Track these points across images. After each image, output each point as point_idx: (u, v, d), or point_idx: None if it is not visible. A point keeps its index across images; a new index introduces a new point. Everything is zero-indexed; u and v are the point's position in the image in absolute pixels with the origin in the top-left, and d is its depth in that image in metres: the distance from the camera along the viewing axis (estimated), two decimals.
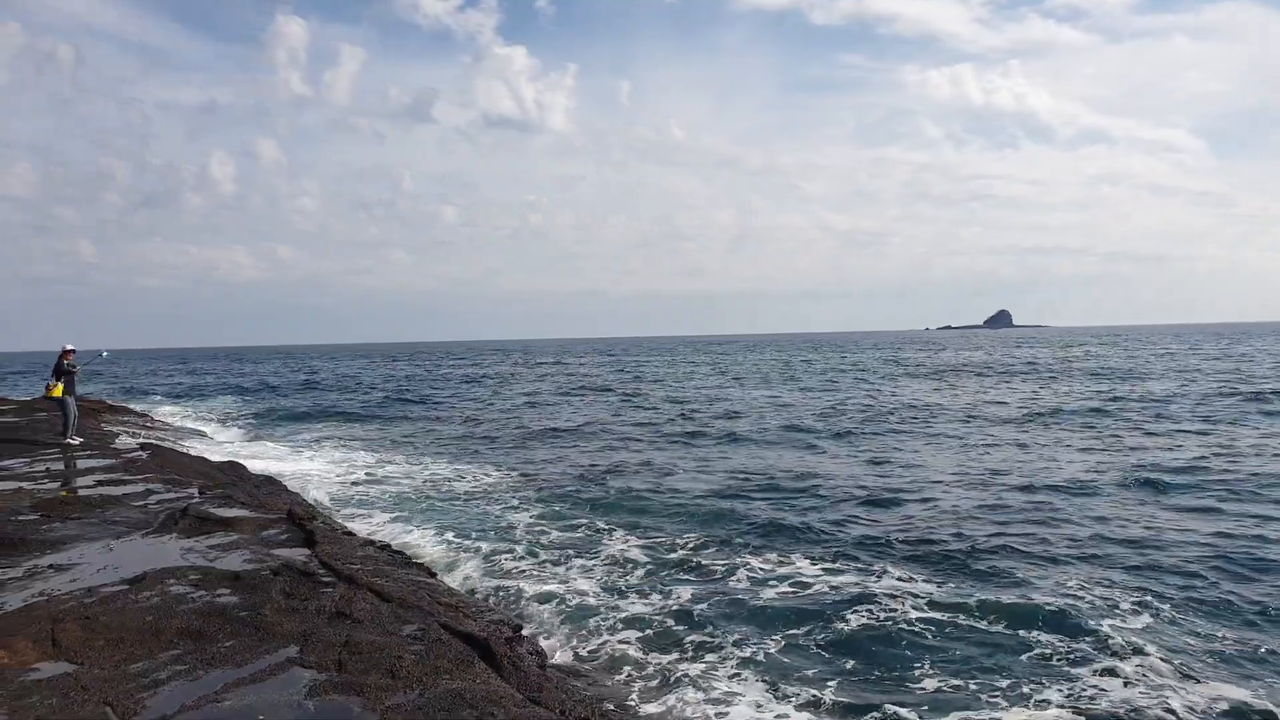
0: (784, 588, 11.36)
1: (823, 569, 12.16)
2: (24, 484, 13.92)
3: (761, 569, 12.23)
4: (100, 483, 14.35)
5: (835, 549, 13.18)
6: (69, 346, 19.05)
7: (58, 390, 18.71)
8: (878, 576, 11.69)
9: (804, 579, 11.71)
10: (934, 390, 43.94)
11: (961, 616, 9.98)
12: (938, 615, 10.05)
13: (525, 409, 40.75)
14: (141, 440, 21.48)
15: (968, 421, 29.77)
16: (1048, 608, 10.04)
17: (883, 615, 10.08)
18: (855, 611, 10.22)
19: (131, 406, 37.60)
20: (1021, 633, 9.43)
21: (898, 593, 10.90)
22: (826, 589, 11.24)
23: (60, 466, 16.29)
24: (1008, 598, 10.52)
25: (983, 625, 9.73)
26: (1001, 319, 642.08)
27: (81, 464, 16.63)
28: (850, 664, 8.84)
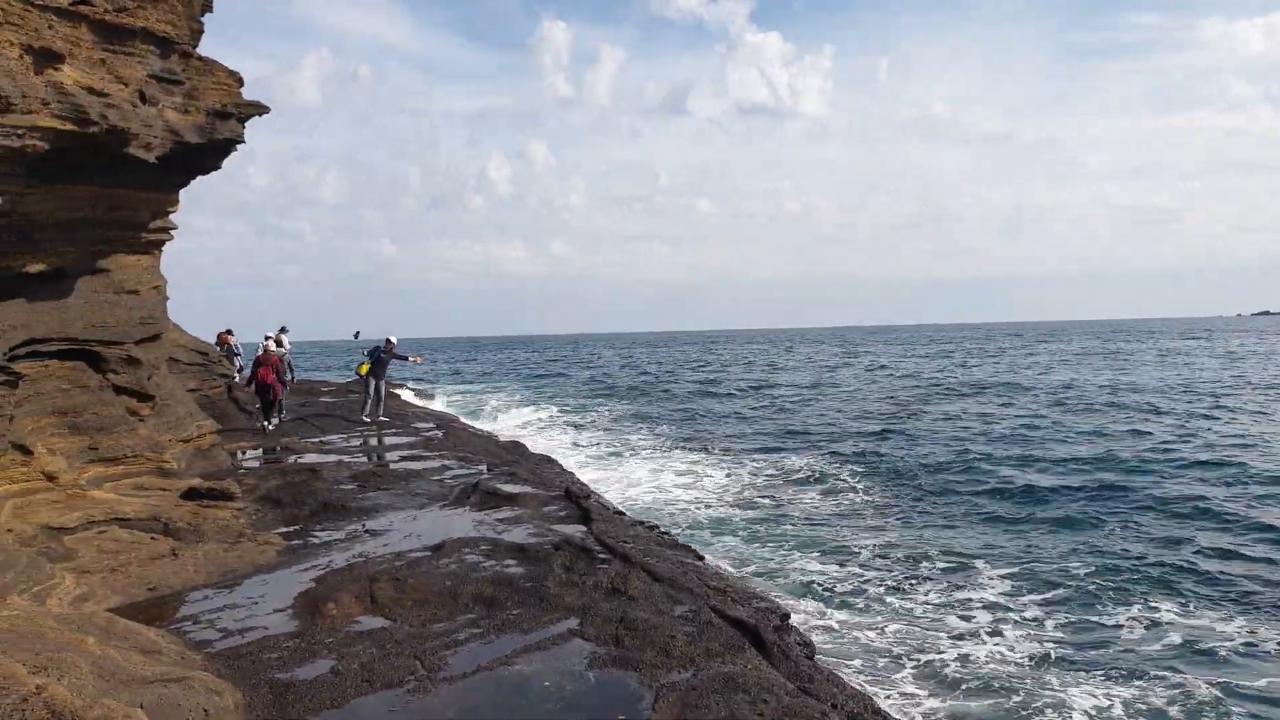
0: (1174, 637, 9.90)
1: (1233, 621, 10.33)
2: (343, 457, 15.75)
3: (1153, 613, 10.62)
4: (404, 458, 15.95)
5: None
6: (391, 338, 21.11)
7: (364, 369, 20.96)
8: None
9: (1201, 627, 10.16)
10: None
11: None
12: None
13: (827, 403, 38.30)
14: (436, 420, 23.58)
15: None
16: None
17: None
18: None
19: (425, 389, 41.46)
20: None
21: None
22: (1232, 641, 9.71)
23: (373, 442, 18.27)
24: None
25: None
26: None
27: (387, 440, 18.56)
28: None
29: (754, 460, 22.65)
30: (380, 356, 20.76)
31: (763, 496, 18.05)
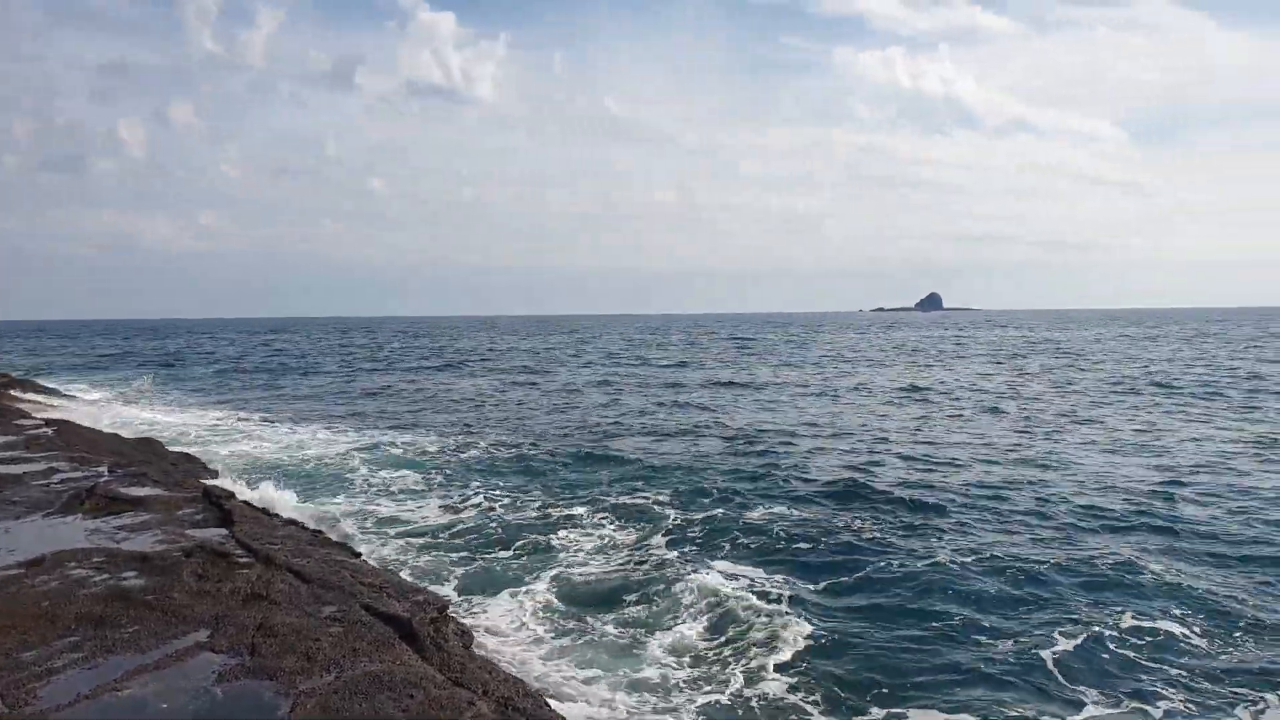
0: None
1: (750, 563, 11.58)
2: None
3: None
4: None
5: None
6: None
7: None
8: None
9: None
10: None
11: None
12: None
13: (481, 380, 40.03)
14: (47, 416, 20.47)
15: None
16: None
17: None
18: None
19: (40, 382, 35.89)
20: None
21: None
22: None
23: None
24: None
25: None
26: (932, 301, 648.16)
27: None
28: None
29: (401, 433, 21.99)
30: None
31: (388, 458, 17.59)
